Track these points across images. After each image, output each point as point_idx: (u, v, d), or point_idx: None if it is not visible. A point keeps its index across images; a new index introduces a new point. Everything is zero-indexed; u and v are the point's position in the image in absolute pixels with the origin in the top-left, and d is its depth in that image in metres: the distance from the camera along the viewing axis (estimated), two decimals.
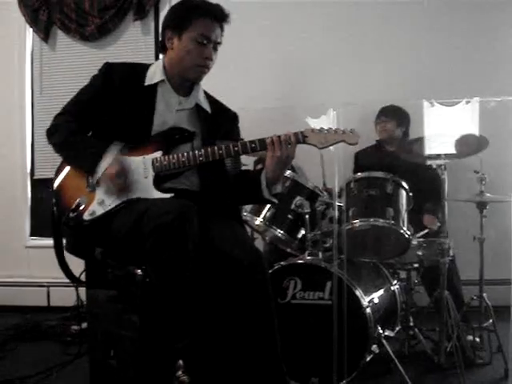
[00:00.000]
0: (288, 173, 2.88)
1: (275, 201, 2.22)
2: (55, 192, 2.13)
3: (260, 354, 1.98)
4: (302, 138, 2.04)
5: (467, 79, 3.79)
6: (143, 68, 2.21)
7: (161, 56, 2.27)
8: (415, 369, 2.72)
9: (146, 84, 2.16)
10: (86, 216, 2.04)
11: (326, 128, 2.05)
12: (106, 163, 2.02)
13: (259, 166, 3.28)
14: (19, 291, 4.16)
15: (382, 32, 4.00)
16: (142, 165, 2.08)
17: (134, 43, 4.24)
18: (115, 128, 2.11)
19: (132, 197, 2.05)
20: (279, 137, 2.02)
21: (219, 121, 2.27)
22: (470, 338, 2.89)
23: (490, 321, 2.85)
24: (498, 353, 2.81)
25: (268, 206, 2.86)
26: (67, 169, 2.15)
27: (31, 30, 4.33)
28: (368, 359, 2.52)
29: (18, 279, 4.20)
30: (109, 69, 2.17)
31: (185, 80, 2.19)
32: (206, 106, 2.26)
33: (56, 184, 2.14)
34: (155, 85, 2.17)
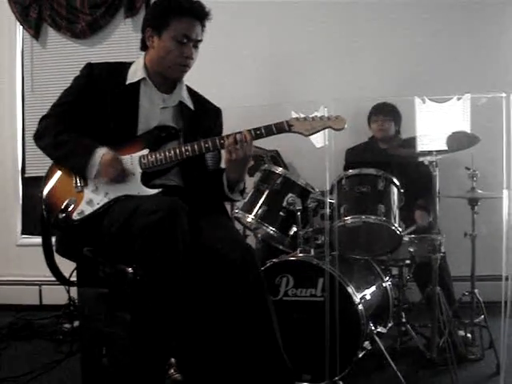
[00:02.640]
0: (280, 170, 2.88)
1: (238, 199, 2.26)
2: (45, 198, 2.12)
3: (261, 351, 1.97)
4: (287, 126, 2.04)
5: (458, 76, 3.80)
6: (124, 67, 2.20)
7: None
8: (407, 365, 2.73)
9: (128, 82, 2.15)
10: (75, 216, 2.04)
11: (310, 116, 2.06)
12: (99, 157, 2.02)
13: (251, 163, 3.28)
14: (11, 290, 4.14)
15: (373, 29, 3.99)
16: (129, 163, 2.08)
17: (125, 40, 4.20)
18: (100, 128, 2.11)
19: (120, 194, 2.05)
20: (235, 137, 2.02)
21: (202, 118, 2.26)
22: (462, 333, 2.90)
23: (482, 317, 2.86)
24: (489, 348, 2.83)
25: (260, 203, 2.85)
26: (55, 175, 2.14)
27: (21, 27, 4.30)
28: (360, 355, 2.53)
29: (9, 278, 4.18)
30: (90, 69, 2.17)
31: (166, 78, 2.19)
32: (189, 103, 2.26)
33: (45, 191, 2.13)
34: (138, 83, 2.16)
